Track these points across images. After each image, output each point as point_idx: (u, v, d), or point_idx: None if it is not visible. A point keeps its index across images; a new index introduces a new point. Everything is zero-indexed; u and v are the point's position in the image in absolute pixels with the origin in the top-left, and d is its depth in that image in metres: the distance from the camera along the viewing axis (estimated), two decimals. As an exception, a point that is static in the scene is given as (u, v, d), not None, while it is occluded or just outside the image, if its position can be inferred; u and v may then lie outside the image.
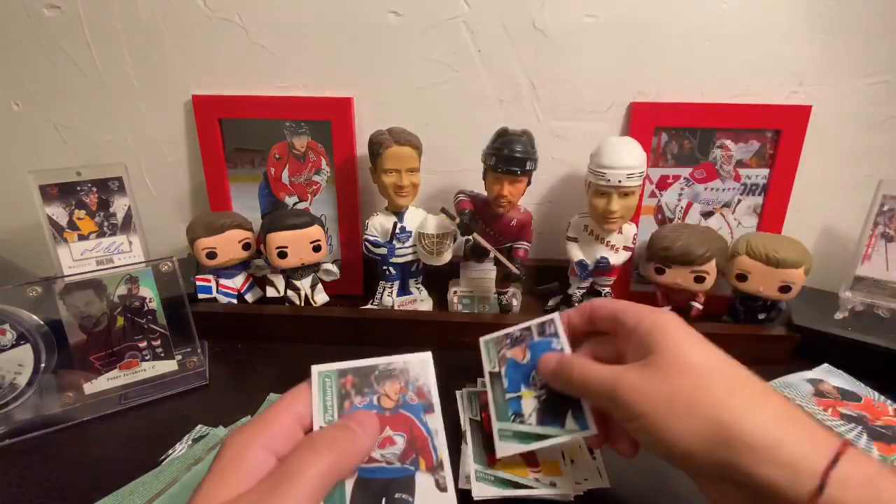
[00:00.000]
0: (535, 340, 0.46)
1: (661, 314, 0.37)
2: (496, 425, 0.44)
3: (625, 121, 0.74)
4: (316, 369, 0.34)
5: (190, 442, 0.51)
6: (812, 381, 0.58)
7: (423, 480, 0.32)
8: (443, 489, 0.32)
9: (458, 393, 0.56)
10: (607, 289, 0.74)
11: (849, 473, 0.26)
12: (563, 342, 0.43)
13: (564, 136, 0.75)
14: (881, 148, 0.72)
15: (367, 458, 0.31)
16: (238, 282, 0.74)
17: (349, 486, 0.30)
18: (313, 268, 0.74)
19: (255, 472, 0.26)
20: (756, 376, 0.34)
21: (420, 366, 0.36)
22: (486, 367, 0.49)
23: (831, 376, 0.60)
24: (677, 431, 0.31)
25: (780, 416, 0.30)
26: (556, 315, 0.45)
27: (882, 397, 0.56)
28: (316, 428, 0.31)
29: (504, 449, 0.42)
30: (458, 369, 0.64)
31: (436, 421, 0.34)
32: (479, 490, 0.42)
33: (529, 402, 0.43)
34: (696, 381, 0.32)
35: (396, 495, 0.31)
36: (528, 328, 0.47)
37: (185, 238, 0.71)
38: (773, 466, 0.28)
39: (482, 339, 0.51)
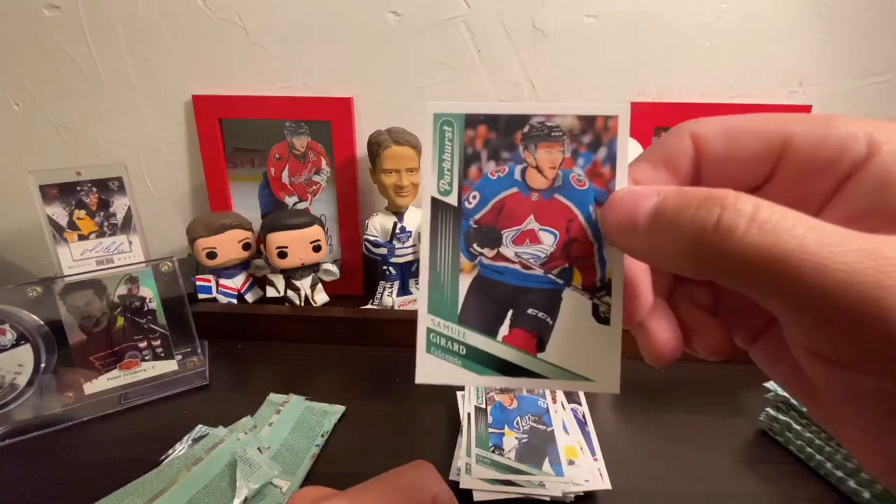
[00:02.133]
0: (524, 394, 0.46)
1: None
2: (473, 451, 0.45)
3: (625, 121, 0.74)
4: (432, 109, 0.23)
5: (190, 442, 0.51)
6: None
7: (574, 301, 0.21)
8: (602, 320, 0.21)
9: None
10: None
11: None
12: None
13: (564, 136, 0.75)
14: (881, 148, 0.72)
15: None
16: (238, 282, 0.74)
17: (464, 283, 0.22)
18: (313, 268, 0.75)
19: None
20: None
21: (604, 125, 0.21)
22: (472, 401, 0.51)
23: None
24: None
25: None
26: None
27: None
28: (428, 187, 0.22)
29: (478, 472, 0.44)
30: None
31: None
32: (477, 473, 0.44)
33: (511, 440, 0.44)
34: None
35: (530, 311, 0.22)
36: None
37: (185, 238, 0.71)
38: None
39: None
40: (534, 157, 0.21)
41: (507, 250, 0.22)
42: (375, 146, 0.67)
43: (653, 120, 0.71)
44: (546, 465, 0.44)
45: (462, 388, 0.57)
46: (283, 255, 0.69)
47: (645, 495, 0.45)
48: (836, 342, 0.14)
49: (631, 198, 0.17)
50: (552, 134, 0.21)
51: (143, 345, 0.58)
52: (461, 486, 0.43)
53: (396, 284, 0.74)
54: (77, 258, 0.63)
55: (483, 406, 0.51)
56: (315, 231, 0.71)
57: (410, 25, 0.70)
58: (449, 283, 0.22)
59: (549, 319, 0.21)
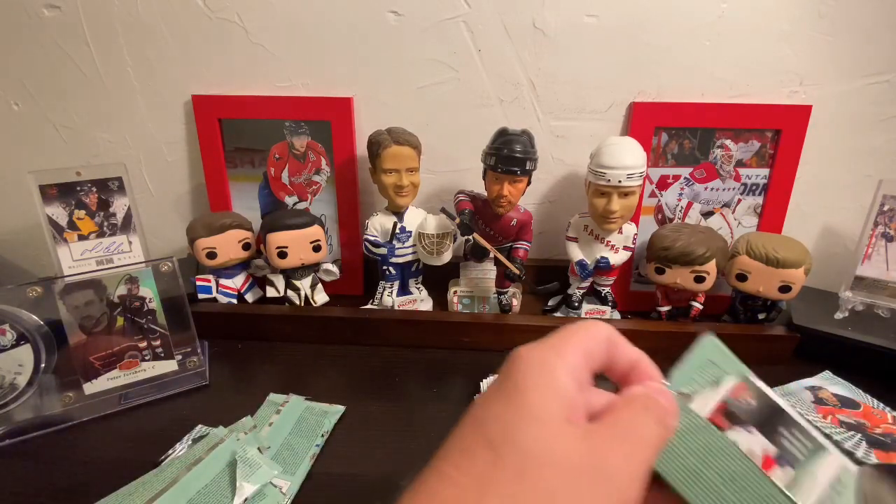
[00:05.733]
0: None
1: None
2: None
3: (625, 121, 0.74)
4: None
5: (190, 442, 0.51)
6: (812, 389, 0.58)
7: None
8: None
9: (482, 383, 0.57)
10: (607, 288, 0.74)
11: None
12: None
13: (564, 136, 0.75)
14: (881, 148, 0.72)
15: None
16: (238, 282, 0.74)
17: None
18: (313, 268, 0.75)
19: (568, 402, 0.21)
20: None
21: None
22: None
23: (831, 384, 0.60)
24: None
25: None
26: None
27: (881, 405, 0.56)
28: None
29: None
30: (457, 369, 0.65)
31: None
32: None
33: None
34: None
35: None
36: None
37: (185, 238, 0.71)
38: None
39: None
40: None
41: None
42: (375, 146, 0.66)
43: (653, 120, 0.71)
44: None
45: (462, 387, 0.57)
46: (283, 255, 0.69)
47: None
48: None
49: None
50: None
51: (143, 345, 0.58)
52: None
53: (396, 284, 0.74)
54: (77, 258, 0.63)
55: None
56: (315, 231, 0.71)
57: (410, 25, 0.70)
58: None
59: None
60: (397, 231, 0.70)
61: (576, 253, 0.70)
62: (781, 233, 0.73)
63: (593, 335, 0.24)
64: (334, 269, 0.76)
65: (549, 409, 0.20)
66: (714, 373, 0.25)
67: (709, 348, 0.26)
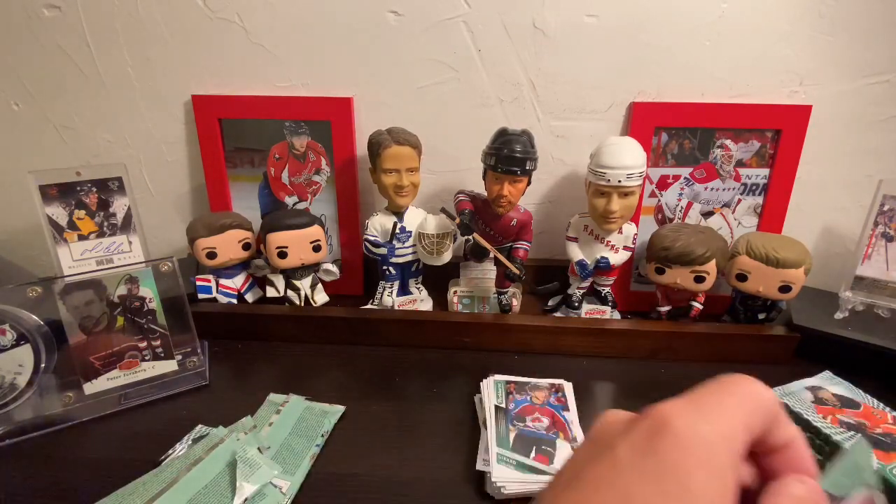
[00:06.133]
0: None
1: None
2: (494, 450, 0.49)
3: (625, 121, 0.74)
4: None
5: (190, 442, 0.51)
6: (812, 389, 0.58)
7: (561, 444, 0.49)
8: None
9: (482, 383, 0.58)
10: (607, 288, 0.74)
11: None
12: None
13: (564, 136, 0.75)
14: (881, 148, 0.72)
15: None
16: (238, 282, 0.74)
17: (512, 436, 0.48)
18: (313, 268, 0.75)
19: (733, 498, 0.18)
20: None
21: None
22: (492, 400, 0.55)
23: (831, 384, 0.60)
24: None
25: None
26: None
27: (881, 405, 0.56)
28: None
29: (499, 470, 0.47)
30: (458, 369, 0.65)
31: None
32: (499, 473, 0.46)
33: None
34: None
35: (544, 447, 0.48)
36: None
37: (185, 238, 0.71)
38: None
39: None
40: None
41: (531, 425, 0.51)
42: (376, 145, 0.66)
43: (653, 120, 0.71)
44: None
45: (461, 386, 0.57)
46: (283, 255, 0.69)
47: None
48: None
49: None
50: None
51: (143, 345, 0.58)
52: (494, 478, 0.45)
53: (396, 284, 0.74)
54: (77, 258, 0.63)
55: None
56: (315, 231, 0.71)
57: (410, 25, 0.70)
58: (503, 435, 0.49)
59: (551, 450, 0.48)
60: (397, 231, 0.70)
61: (576, 253, 0.70)
62: (781, 233, 0.73)
63: (758, 403, 0.20)
64: (334, 269, 0.76)
65: None
66: (856, 478, 0.24)
67: (859, 453, 0.25)
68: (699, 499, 0.17)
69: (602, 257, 0.69)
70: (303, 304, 0.73)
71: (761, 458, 0.21)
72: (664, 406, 0.19)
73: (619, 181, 0.62)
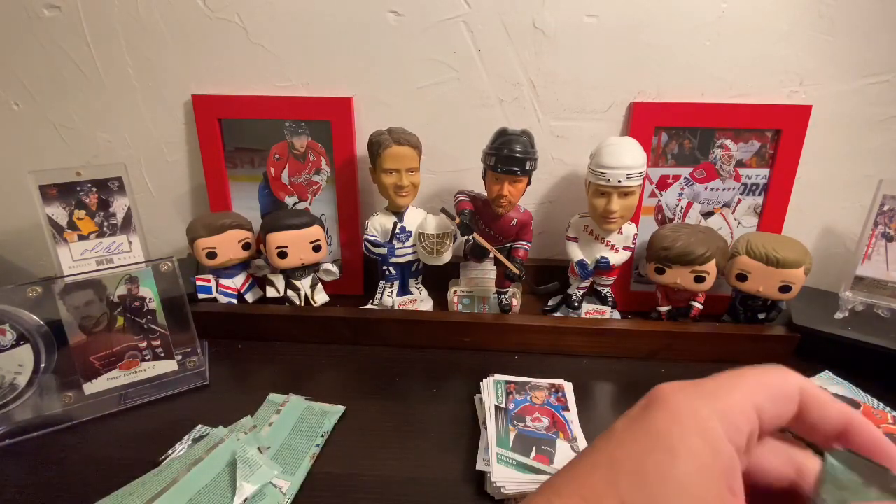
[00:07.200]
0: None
1: None
2: (494, 450, 0.49)
3: (625, 121, 0.74)
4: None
5: (190, 442, 0.51)
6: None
7: (561, 444, 0.49)
8: (575, 451, 0.47)
9: (482, 383, 0.58)
10: (607, 288, 0.74)
11: None
12: None
13: (564, 136, 0.75)
14: (881, 148, 0.72)
15: None
16: (238, 282, 0.74)
17: (512, 436, 0.49)
18: (313, 268, 0.75)
19: (722, 470, 0.18)
20: None
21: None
22: (492, 400, 0.55)
23: (831, 384, 0.60)
24: None
25: None
26: None
27: (881, 405, 0.56)
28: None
29: (498, 470, 0.47)
30: (457, 369, 0.65)
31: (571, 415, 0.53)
32: (499, 473, 0.46)
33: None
34: None
35: (543, 447, 0.48)
36: None
37: (185, 238, 0.71)
38: None
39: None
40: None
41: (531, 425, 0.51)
42: (376, 145, 0.66)
43: (653, 120, 0.71)
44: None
45: (461, 385, 0.57)
46: (283, 255, 0.69)
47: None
48: None
49: None
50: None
51: (143, 345, 0.58)
52: (494, 478, 0.45)
53: (396, 284, 0.74)
54: (77, 258, 0.63)
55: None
56: (315, 231, 0.71)
57: (410, 25, 0.70)
58: (503, 435, 0.49)
59: (552, 451, 0.49)
60: (397, 231, 0.70)
61: (576, 253, 0.70)
62: (781, 233, 0.73)
63: (774, 386, 0.20)
64: (334, 269, 0.76)
65: (703, 484, 0.17)
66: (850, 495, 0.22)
67: (839, 471, 0.23)
68: (684, 462, 0.17)
69: (602, 257, 0.69)
70: (303, 304, 0.73)
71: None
72: (665, 384, 0.20)
73: (619, 181, 0.62)
